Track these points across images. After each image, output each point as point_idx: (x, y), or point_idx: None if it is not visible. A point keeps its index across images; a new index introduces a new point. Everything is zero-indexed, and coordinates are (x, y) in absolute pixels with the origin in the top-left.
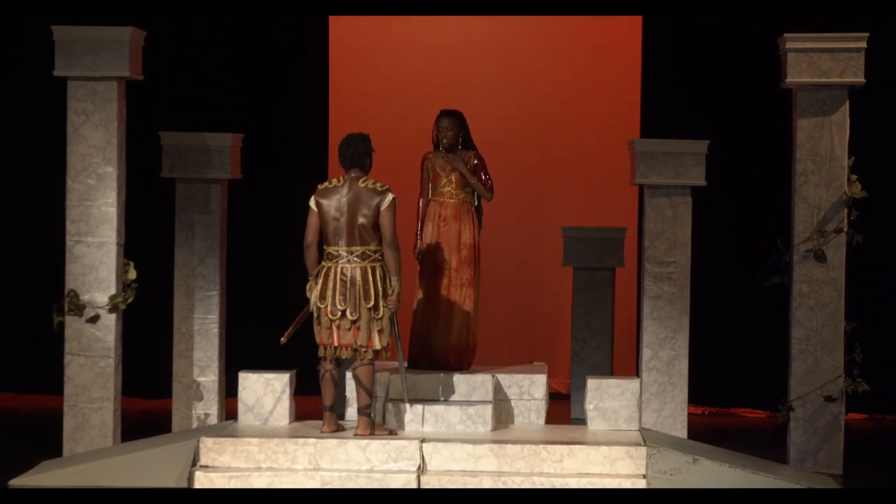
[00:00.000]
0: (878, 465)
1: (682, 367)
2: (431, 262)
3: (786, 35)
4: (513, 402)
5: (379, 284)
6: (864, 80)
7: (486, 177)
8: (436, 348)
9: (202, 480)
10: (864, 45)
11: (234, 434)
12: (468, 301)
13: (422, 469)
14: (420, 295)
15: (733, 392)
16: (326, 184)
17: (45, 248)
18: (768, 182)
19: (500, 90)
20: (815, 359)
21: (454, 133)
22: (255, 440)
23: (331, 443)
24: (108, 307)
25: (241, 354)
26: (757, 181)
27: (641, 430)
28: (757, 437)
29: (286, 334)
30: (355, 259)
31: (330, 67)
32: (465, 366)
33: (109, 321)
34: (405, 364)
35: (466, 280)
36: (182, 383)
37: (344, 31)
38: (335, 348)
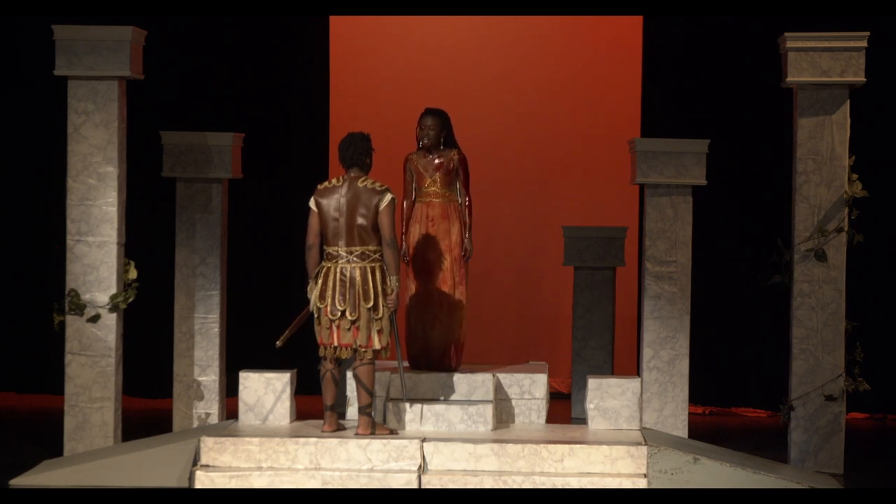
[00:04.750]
0: (878, 464)
1: (683, 366)
2: (423, 263)
3: (786, 34)
4: (513, 402)
5: (378, 285)
6: (864, 79)
7: (465, 182)
8: (435, 349)
9: (203, 480)
10: (864, 44)
11: (234, 433)
12: (461, 300)
13: (422, 468)
14: (413, 296)
15: (734, 391)
16: (326, 183)
17: (46, 248)
18: (769, 181)
19: (500, 90)
20: (815, 358)
21: (436, 133)
22: (255, 440)
23: (331, 442)
24: (108, 307)
25: (241, 354)
26: (758, 180)
27: (642, 429)
28: (758, 437)
29: (282, 338)
30: (355, 259)
31: (330, 67)
32: (458, 364)
33: (110, 321)
34: (405, 363)
35: (458, 279)
36: (183, 383)
37: (344, 31)
38: (335, 348)
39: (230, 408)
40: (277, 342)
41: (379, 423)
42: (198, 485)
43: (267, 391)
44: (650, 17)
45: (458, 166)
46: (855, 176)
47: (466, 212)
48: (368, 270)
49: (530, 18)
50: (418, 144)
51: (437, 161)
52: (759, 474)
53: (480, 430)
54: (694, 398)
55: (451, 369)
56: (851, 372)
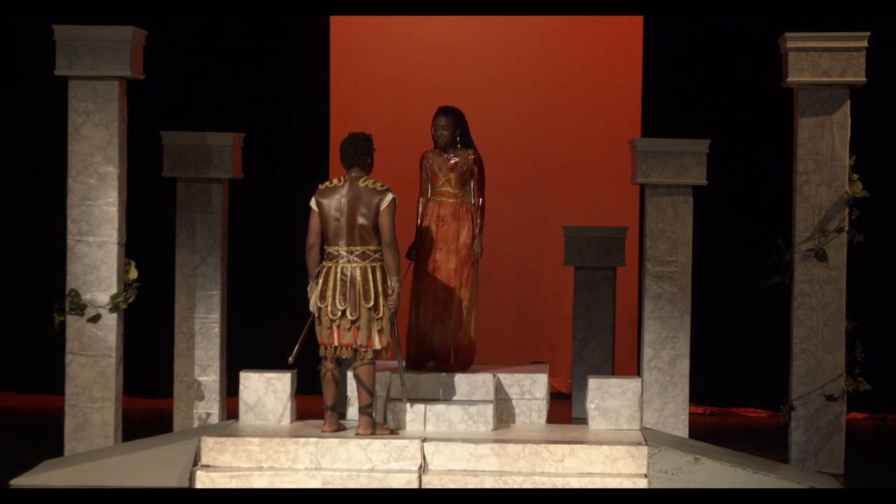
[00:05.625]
0: (878, 464)
1: (684, 366)
2: (430, 262)
3: (787, 34)
4: (514, 402)
5: (379, 284)
6: (865, 79)
7: (480, 183)
8: (435, 350)
9: (203, 480)
10: (864, 44)
11: (235, 433)
12: (466, 302)
13: (423, 468)
14: (417, 295)
15: (734, 391)
16: (327, 183)
17: (47, 248)
18: (769, 181)
19: (500, 90)
20: (816, 358)
21: (450, 133)
22: (256, 440)
23: (332, 442)
24: (109, 307)
25: (241, 354)
26: (758, 180)
27: (643, 429)
28: (758, 437)
29: (293, 354)
30: (355, 259)
31: (330, 67)
32: (464, 366)
33: (111, 321)
34: (404, 364)
35: (465, 280)
36: (183, 383)
37: (344, 31)
38: (335, 348)
39: (230, 408)
40: (290, 359)
41: (379, 423)
42: (198, 485)
43: (267, 391)
44: (650, 17)
45: (472, 167)
46: (855, 176)
47: (479, 213)
48: (369, 270)
49: (530, 18)
50: (434, 143)
51: (452, 161)
52: (760, 474)
53: (481, 430)
54: (694, 398)
55: (456, 371)
56: (852, 372)
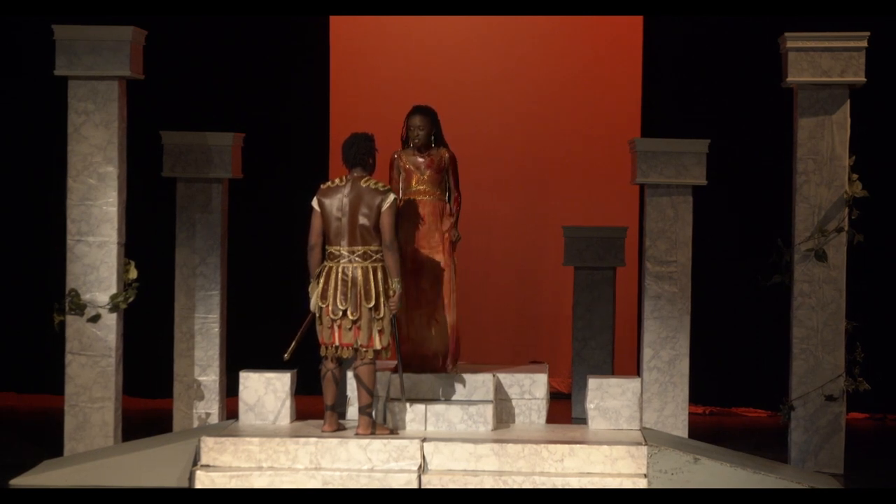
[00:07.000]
0: (878, 464)
1: (683, 366)
2: (411, 263)
3: (786, 34)
4: (514, 402)
5: (380, 285)
6: (864, 79)
7: (455, 179)
8: (427, 350)
9: (203, 480)
10: (864, 44)
11: (235, 433)
12: (450, 298)
13: (423, 468)
14: (406, 298)
15: (734, 391)
16: (329, 183)
17: (46, 248)
18: (769, 181)
19: (500, 90)
20: (816, 358)
21: (426, 133)
22: (256, 440)
23: (332, 442)
24: (108, 307)
25: (241, 354)
26: (758, 180)
27: (642, 429)
28: (758, 437)
29: (289, 351)
30: (357, 259)
31: (330, 67)
32: (454, 364)
33: (110, 321)
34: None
35: (447, 278)
36: (183, 383)
37: (344, 31)
38: (336, 348)
39: (230, 408)
40: (285, 355)
41: (379, 423)
42: (198, 485)
43: (267, 391)
44: (650, 17)
45: (448, 165)
46: (855, 176)
47: (455, 206)
48: (370, 270)
49: (530, 18)
50: (405, 143)
51: (427, 158)
52: (759, 474)
53: (481, 430)
54: (694, 398)
55: (448, 370)
56: (851, 372)
